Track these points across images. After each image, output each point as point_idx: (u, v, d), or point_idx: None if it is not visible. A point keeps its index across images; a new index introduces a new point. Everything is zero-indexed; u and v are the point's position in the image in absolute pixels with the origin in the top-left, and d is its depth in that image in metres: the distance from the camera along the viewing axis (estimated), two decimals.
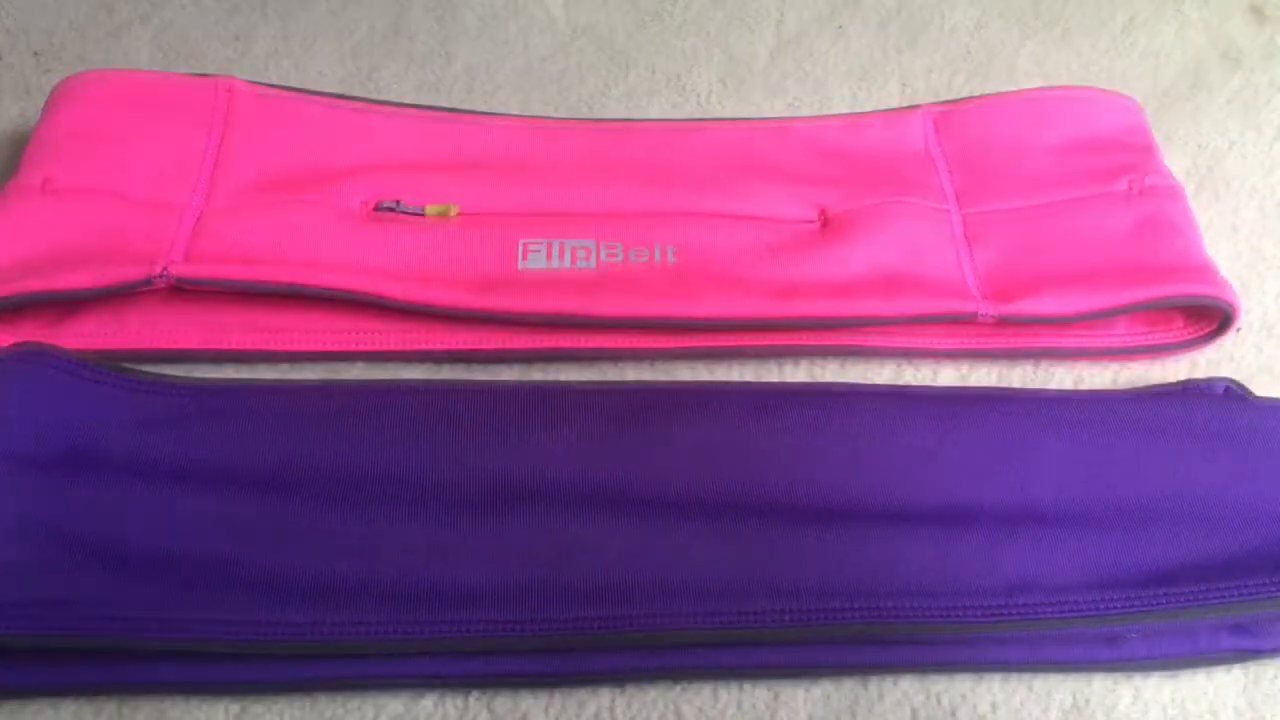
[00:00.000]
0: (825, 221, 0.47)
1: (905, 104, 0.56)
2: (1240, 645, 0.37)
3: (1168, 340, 0.46)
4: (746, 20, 0.61)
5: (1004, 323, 0.44)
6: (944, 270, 0.46)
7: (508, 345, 0.44)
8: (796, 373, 0.45)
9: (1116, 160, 0.49)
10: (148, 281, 0.41)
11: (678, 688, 0.37)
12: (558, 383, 0.43)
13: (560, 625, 0.34)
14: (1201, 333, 0.46)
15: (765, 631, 0.35)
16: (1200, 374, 0.46)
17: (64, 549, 0.34)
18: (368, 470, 0.37)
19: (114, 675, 0.35)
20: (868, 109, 0.56)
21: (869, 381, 0.45)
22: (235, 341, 0.43)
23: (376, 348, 0.44)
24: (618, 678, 0.36)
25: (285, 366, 0.44)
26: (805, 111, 0.56)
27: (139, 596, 0.34)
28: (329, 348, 0.44)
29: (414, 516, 0.36)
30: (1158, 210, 0.47)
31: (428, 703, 0.36)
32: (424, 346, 0.44)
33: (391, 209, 0.46)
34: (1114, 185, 0.48)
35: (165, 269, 0.41)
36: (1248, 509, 0.38)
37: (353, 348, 0.44)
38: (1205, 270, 0.45)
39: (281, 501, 0.36)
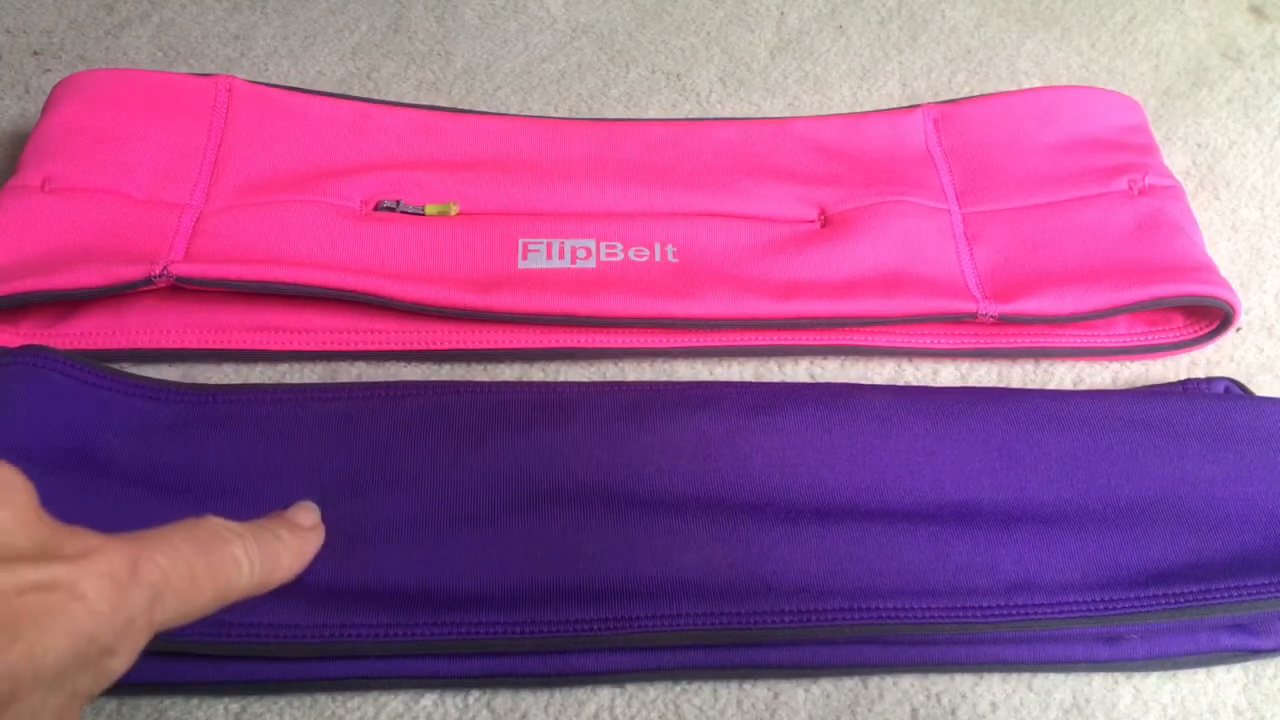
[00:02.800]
0: (826, 221, 0.47)
1: (906, 103, 0.56)
2: (1240, 644, 0.37)
3: (1168, 340, 0.46)
4: (747, 19, 0.60)
5: (1004, 322, 0.44)
6: (944, 269, 0.46)
7: (508, 344, 0.44)
8: (796, 372, 0.45)
9: (1117, 159, 0.49)
10: (148, 280, 0.41)
11: (678, 688, 0.37)
12: (557, 382, 0.43)
13: (561, 627, 0.34)
14: (1201, 332, 0.46)
15: (765, 631, 0.35)
16: (1200, 373, 0.46)
17: None
18: (368, 471, 0.37)
19: None
20: (868, 108, 0.56)
21: (869, 381, 0.45)
22: (235, 341, 0.43)
23: (377, 347, 0.44)
24: (618, 677, 0.36)
25: (285, 367, 0.44)
26: (805, 110, 0.56)
27: None
28: (329, 347, 0.44)
29: (414, 517, 0.36)
30: (1158, 209, 0.47)
31: (428, 702, 0.36)
32: (424, 346, 0.44)
33: (392, 208, 0.46)
34: (1114, 184, 0.48)
35: (165, 268, 0.41)
36: (1248, 509, 0.38)
37: (353, 347, 0.44)
38: (1205, 270, 0.45)
39: (280, 504, 0.36)
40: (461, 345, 0.44)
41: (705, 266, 0.45)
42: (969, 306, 0.44)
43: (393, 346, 0.44)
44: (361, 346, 0.44)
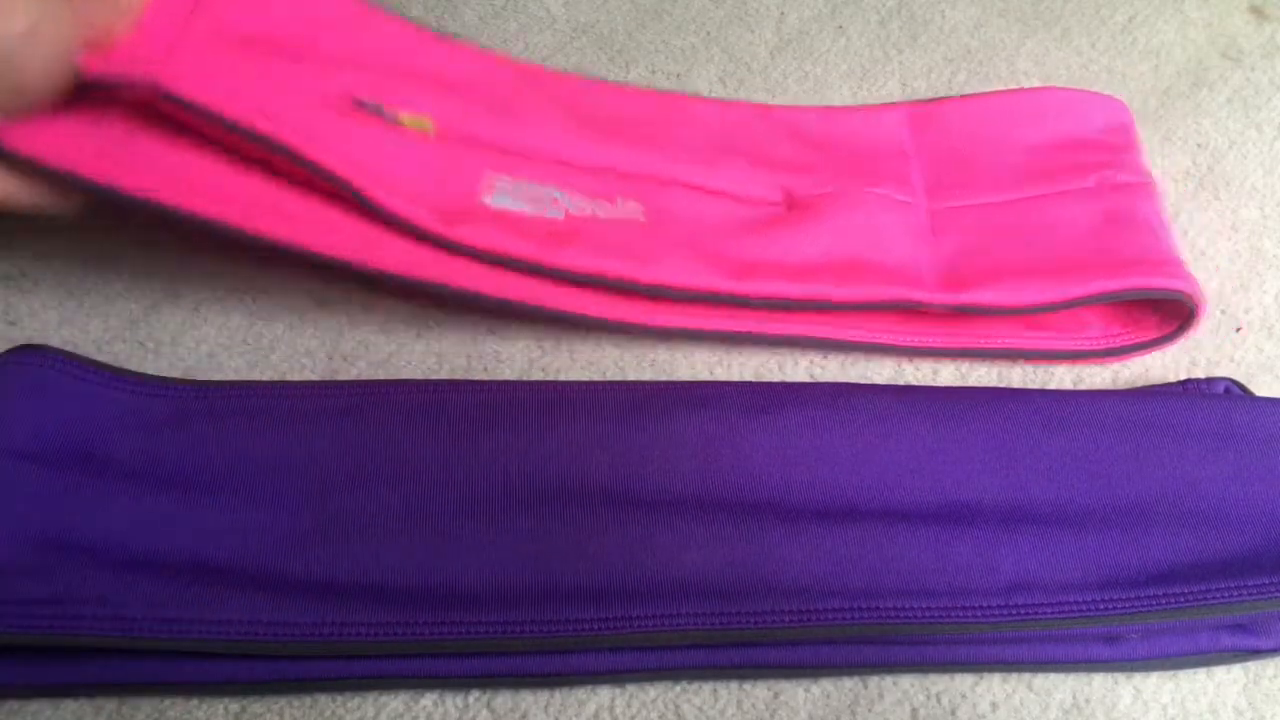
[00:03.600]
0: (791, 204, 0.47)
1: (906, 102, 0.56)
2: (1240, 644, 0.37)
3: (1139, 339, 0.46)
4: (747, 19, 0.60)
5: (962, 314, 0.44)
6: (904, 260, 0.45)
7: (467, 283, 0.42)
8: (796, 372, 0.45)
9: (1091, 157, 0.49)
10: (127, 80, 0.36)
11: (678, 688, 0.37)
12: (557, 381, 0.43)
13: (561, 627, 0.34)
14: (1170, 329, 0.45)
15: (765, 631, 0.35)
16: (1200, 373, 0.46)
17: (64, 549, 0.34)
18: (366, 467, 0.37)
19: (114, 675, 0.35)
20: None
21: (869, 381, 0.45)
22: (193, 202, 0.38)
23: (329, 250, 0.40)
24: (618, 677, 0.36)
25: (285, 367, 0.44)
26: None
27: (139, 596, 0.33)
28: (286, 235, 0.39)
29: (415, 516, 0.36)
30: (1127, 206, 0.47)
31: (427, 701, 0.36)
32: (381, 264, 0.40)
33: (369, 108, 0.43)
34: (1085, 181, 0.48)
35: (149, 72, 0.36)
36: (1248, 509, 0.38)
37: (305, 242, 0.40)
38: (1167, 263, 0.45)
39: (281, 502, 0.36)
40: (420, 274, 0.41)
41: (671, 233, 0.45)
42: (921, 295, 0.44)
43: (345, 254, 0.40)
44: (313, 245, 0.40)
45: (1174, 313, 0.45)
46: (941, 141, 0.51)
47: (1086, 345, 0.46)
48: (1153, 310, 0.46)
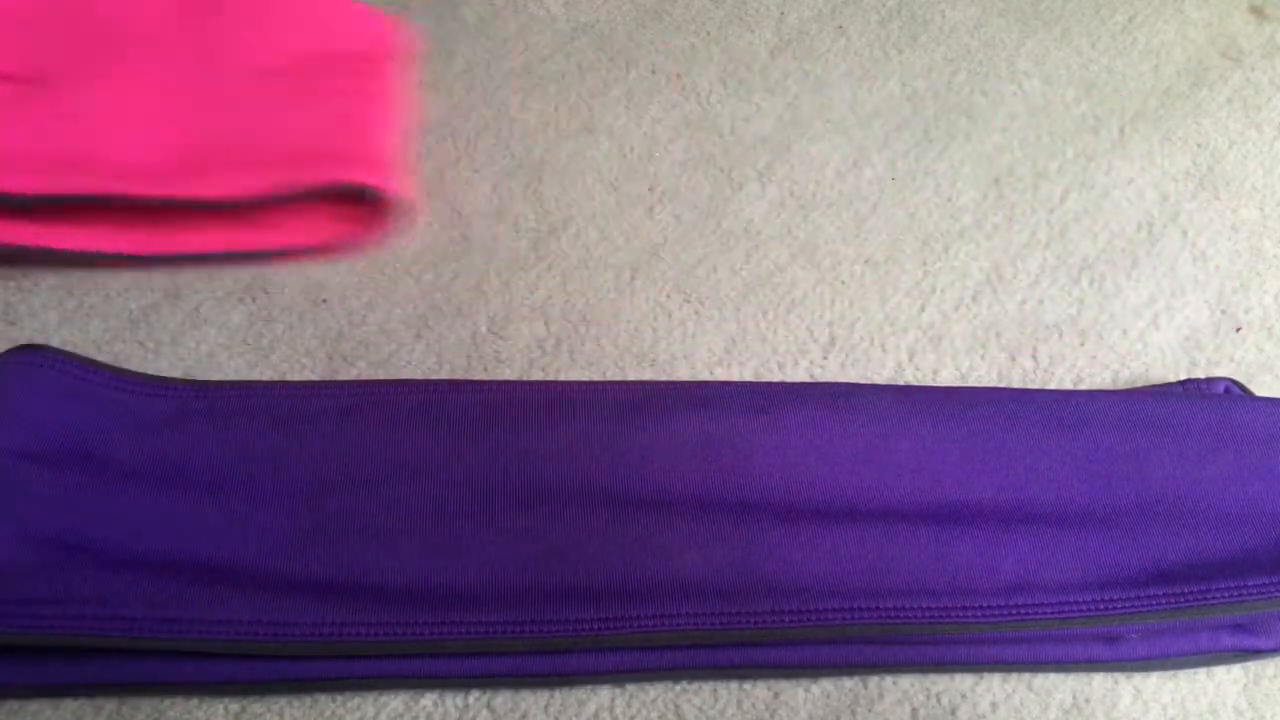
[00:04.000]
0: (29, 80, 0.45)
1: (907, 104, 0.56)
2: (1240, 644, 0.37)
3: (355, 239, 0.46)
4: (747, 19, 0.60)
5: (181, 211, 0.43)
6: (129, 153, 0.43)
7: None
8: (796, 372, 0.45)
9: (341, 66, 0.48)
10: None
11: (678, 687, 0.37)
12: (558, 381, 0.43)
13: (561, 627, 0.35)
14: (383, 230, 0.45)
15: (765, 631, 0.35)
16: (1200, 374, 0.46)
17: (64, 549, 0.34)
18: (366, 466, 0.37)
19: (114, 675, 0.35)
20: (868, 108, 0.56)
21: (869, 381, 0.45)
22: None
23: None
24: (618, 677, 0.36)
25: (285, 366, 0.44)
26: (806, 111, 0.56)
27: (139, 596, 0.34)
28: None
29: (414, 516, 0.36)
30: (360, 112, 0.47)
31: (427, 701, 0.36)
32: None
33: None
34: (325, 84, 0.48)
35: None
36: (1247, 509, 0.38)
37: None
38: (371, 161, 0.44)
39: (281, 502, 0.36)
40: None
41: None
42: (123, 187, 0.42)
43: None
44: None
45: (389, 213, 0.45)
46: (203, 28, 0.48)
47: (306, 241, 0.46)
48: (377, 212, 0.45)
